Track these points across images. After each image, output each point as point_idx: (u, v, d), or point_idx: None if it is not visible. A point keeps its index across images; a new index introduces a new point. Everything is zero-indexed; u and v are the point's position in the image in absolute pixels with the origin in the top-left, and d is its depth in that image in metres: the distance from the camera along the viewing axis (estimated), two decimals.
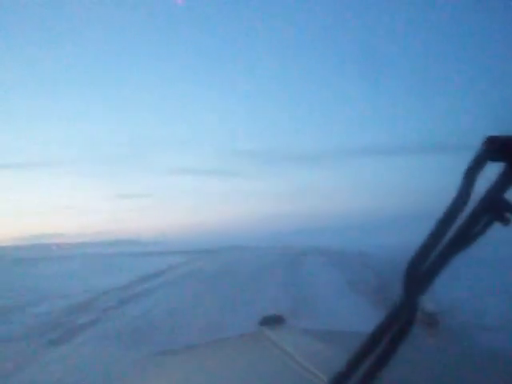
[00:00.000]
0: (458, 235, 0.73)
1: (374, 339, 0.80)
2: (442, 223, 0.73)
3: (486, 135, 0.72)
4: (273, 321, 2.10)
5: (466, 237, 0.74)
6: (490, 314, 8.93)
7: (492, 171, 0.74)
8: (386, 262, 17.12)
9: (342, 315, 10.12)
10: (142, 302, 13.89)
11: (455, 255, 0.75)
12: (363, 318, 8.73)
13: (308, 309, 10.94)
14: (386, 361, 0.80)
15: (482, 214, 0.73)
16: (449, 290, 9.15)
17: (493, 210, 0.72)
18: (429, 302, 7.28)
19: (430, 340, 2.21)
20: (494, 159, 0.72)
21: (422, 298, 0.75)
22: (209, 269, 24.00)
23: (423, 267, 0.75)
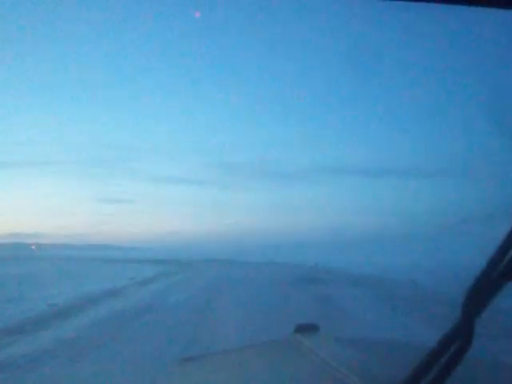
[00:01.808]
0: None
1: (431, 358, 0.79)
2: (500, 250, 0.72)
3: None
4: (307, 329, 2.03)
5: None
6: None
7: None
8: None
9: None
10: None
11: (510, 281, 0.75)
12: None
13: None
14: (442, 380, 0.79)
15: None
16: None
17: None
18: None
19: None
20: None
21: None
22: (177, 299, 14.15)
23: (481, 291, 0.75)
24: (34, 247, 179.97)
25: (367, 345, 1.89)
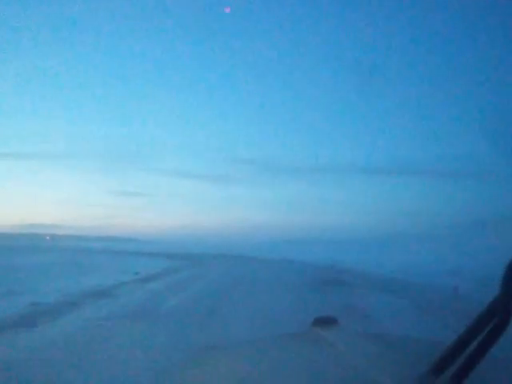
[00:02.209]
0: None
1: (470, 334, 0.80)
2: None
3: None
4: (325, 322, 2.04)
5: None
6: None
7: None
8: None
9: None
10: None
11: None
12: None
13: None
14: (482, 355, 0.79)
15: None
16: None
17: None
18: None
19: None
20: None
21: None
22: (176, 304, 12.08)
23: None
24: (48, 238, 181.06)
25: (385, 340, 1.83)
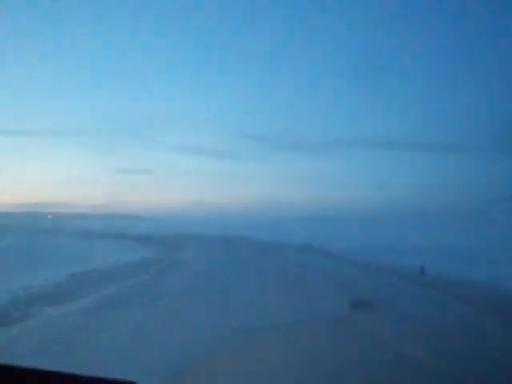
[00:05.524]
0: None
1: None
2: None
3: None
4: (362, 305, 2.89)
5: None
6: None
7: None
8: None
9: None
10: None
11: None
12: None
13: None
14: None
15: None
16: None
17: None
18: None
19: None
20: None
21: None
22: None
23: None
24: (50, 217, 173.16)
25: (423, 326, 2.93)
